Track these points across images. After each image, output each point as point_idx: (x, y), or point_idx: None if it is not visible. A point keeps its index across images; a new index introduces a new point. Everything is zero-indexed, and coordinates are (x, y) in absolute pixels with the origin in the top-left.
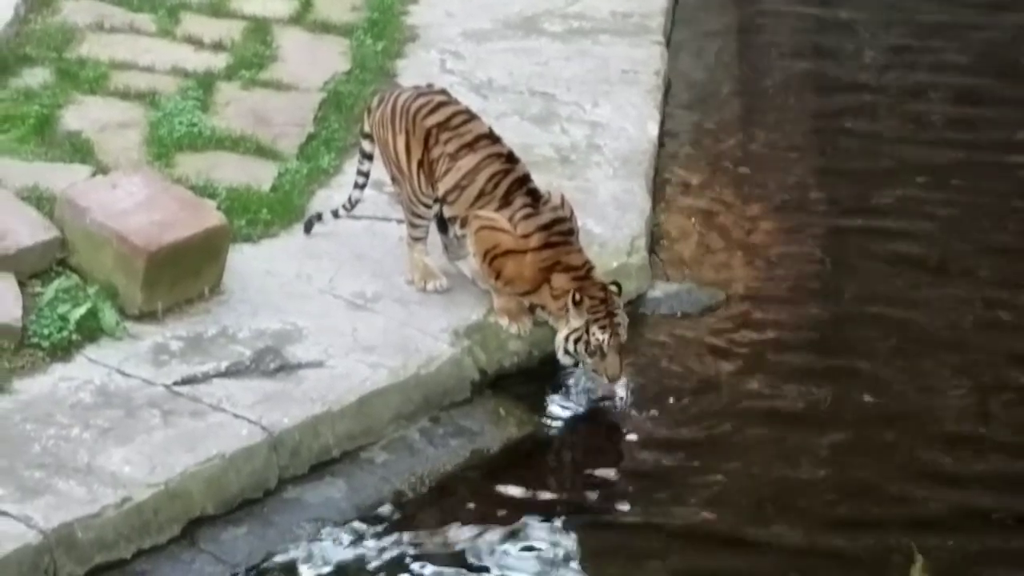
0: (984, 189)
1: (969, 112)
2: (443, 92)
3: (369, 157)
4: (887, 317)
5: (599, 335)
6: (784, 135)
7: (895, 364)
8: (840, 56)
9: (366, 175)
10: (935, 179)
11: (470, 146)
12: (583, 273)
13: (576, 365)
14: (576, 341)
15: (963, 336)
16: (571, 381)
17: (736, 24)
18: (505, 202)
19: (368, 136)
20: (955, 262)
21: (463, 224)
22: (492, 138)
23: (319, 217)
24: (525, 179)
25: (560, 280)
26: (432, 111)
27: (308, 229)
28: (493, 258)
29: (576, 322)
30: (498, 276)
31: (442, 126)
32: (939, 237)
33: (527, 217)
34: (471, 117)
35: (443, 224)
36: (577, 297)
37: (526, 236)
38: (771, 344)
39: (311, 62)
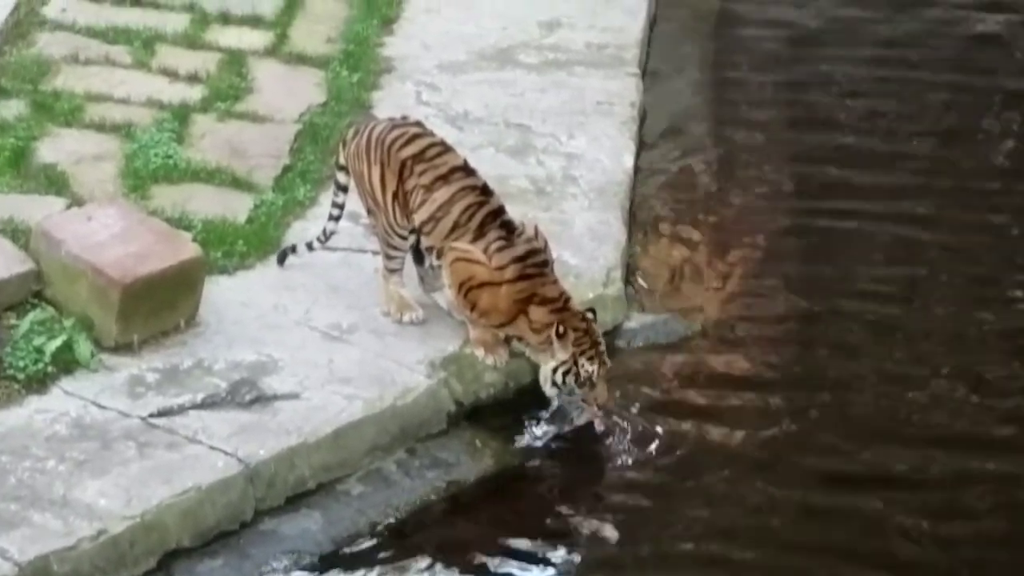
0: (972, 222)
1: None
2: (418, 124)
3: (344, 189)
4: (863, 349)
5: (588, 366)
6: (760, 167)
7: (867, 396)
8: (817, 87)
9: (341, 207)
10: (927, 207)
11: (444, 178)
12: (561, 304)
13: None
14: (565, 374)
15: (948, 365)
16: (549, 411)
17: (712, 55)
18: (479, 234)
19: (343, 168)
20: (946, 295)
21: (439, 255)
22: (467, 170)
23: (293, 249)
24: (499, 211)
25: (538, 313)
26: (407, 143)
27: (281, 261)
28: (468, 290)
29: (563, 355)
30: (473, 308)
31: (417, 158)
32: (918, 277)
33: (501, 249)
34: (446, 149)
35: (419, 255)
36: (561, 330)
37: (500, 268)
38: (747, 375)
39: (287, 94)
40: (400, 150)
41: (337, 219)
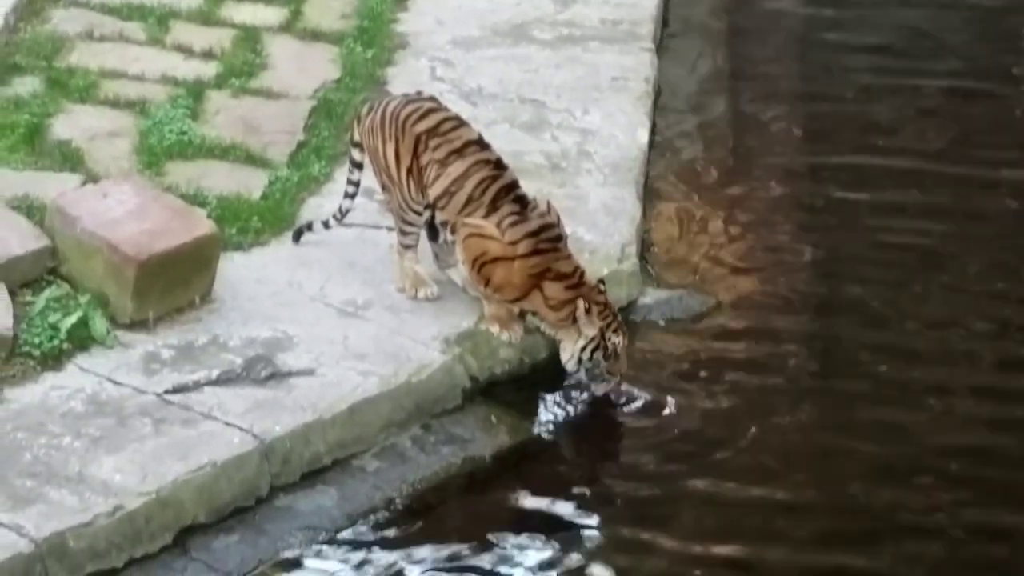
0: (978, 209)
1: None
2: (432, 99)
3: (359, 166)
4: (883, 322)
5: (615, 339)
6: (775, 140)
7: (888, 372)
8: (835, 60)
9: (356, 184)
10: (935, 188)
11: (459, 152)
12: (576, 280)
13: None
14: (594, 350)
15: (955, 349)
16: (564, 387)
17: (726, 30)
18: (492, 208)
19: (358, 145)
20: (955, 275)
21: (453, 230)
22: (481, 144)
23: (309, 227)
24: (513, 186)
25: (553, 289)
26: (421, 117)
27: (297, 239)
28: (482, 265)
29: (591, 331)
30: (487, 283)
31: (431, 132)
32: (939, 248)
33: (514, 224)
34: (460, 123)
35: (433, 232)
36: (587, 306)
37: (514, 243)
38: (763, 350)
39: (301, 70)
40: (414, 125)
41: (353, 196)
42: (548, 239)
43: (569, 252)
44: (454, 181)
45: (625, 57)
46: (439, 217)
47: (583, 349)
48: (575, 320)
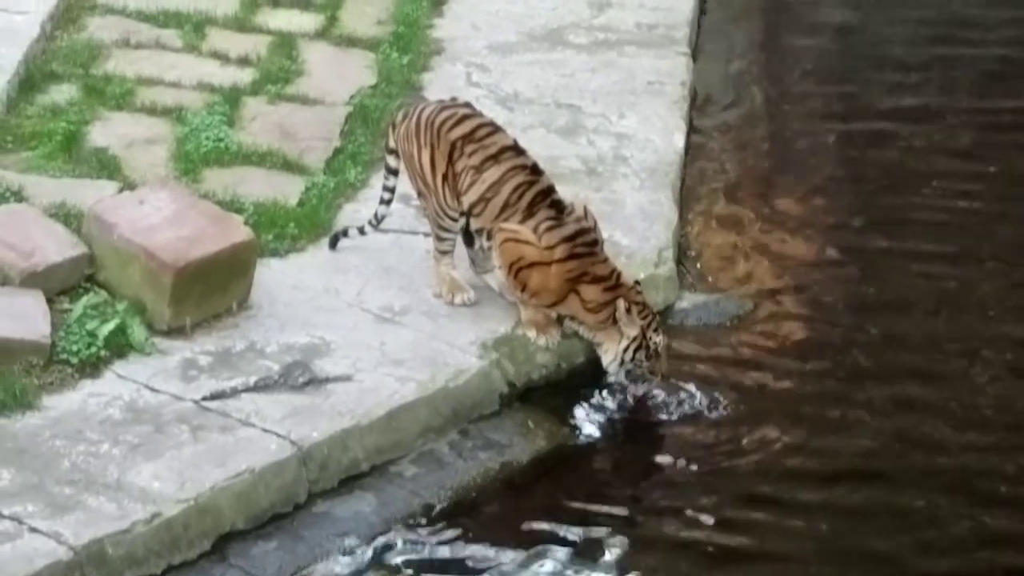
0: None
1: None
2: (467, 105)
3: (395, 172)
4: (921, 329)
5: (656, 338)
6: (812, 145)
7: (924, 377)
8: (870, 66)
9: (392, 190)
10: (970, 195)
11: (494, 158)
12: (614, 282)
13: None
14: (636, 350)
15: (986, 365)
16: (602, 391)
17: (763, 33)
18: (529, 214)
19: (393, 151)
20: (989, 282)
21: (489, 236)
22: (516, 150)
23: (345, 233)
24: (549, 191)
25: (591, 292)
26: (457, 124)
27: (333, 245)
28: (518, 270)
29: (632, 331)
30: (524, 288)
31: (467, 138)
32: (973, 255)
33: (551, 229)
34: (495, 129)
35: (469, 237)
36: (627, 306)
37: (550, 248)
38: (799, 355)
39: (337, 76)
40: (450, 131)
41: (388, 203)
42: (584, 243)
43: (605, 255)
44: (490, 187)
45: (661, 61)
46: (474, 224)
47: (626, 349)
48: (615, 321)
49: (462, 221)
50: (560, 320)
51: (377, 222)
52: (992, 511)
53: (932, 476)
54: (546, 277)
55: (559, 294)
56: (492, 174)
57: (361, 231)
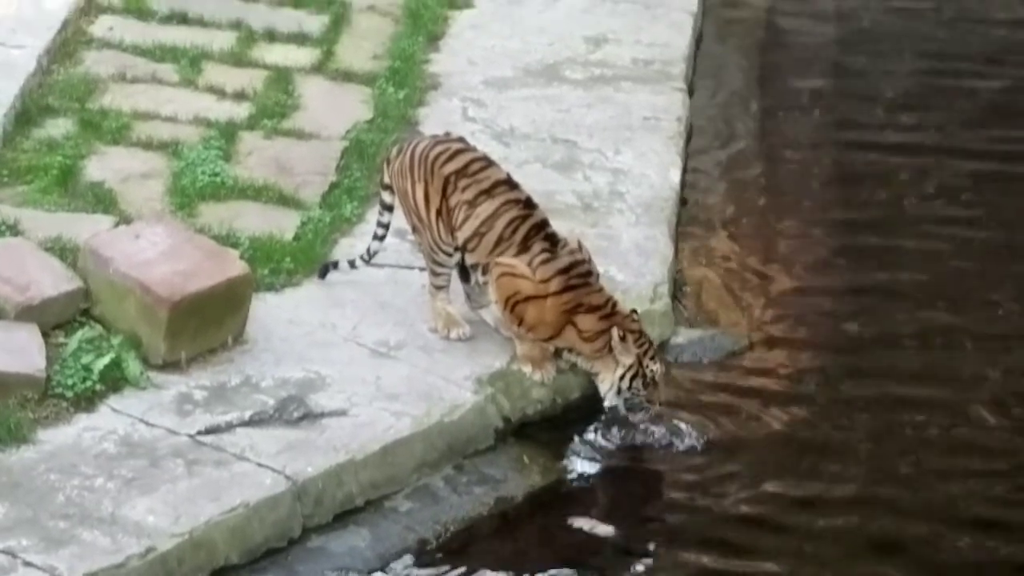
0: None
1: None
2: (461, 140)
3: (389, 209)
4: (915, 365)
5: (653, 366)
6: (808, 180)
7: (921, 414)
8: (865, 101)
9: (386, 226)
10: (967, 232)
11: (487, 192)
12: (609, 310)
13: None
14: (632, 378)
15: (987, 392)
16: (596, 426)
17: (759, 70)
18: (523, 248)
19: (388, 187)
20: (986, 316)
21: (485, 271)
22: (510, 184)
23: (335, 265)
24: (543, 224)
25: (587, 322)
26: (450, 159)
27: (323, 275)
28: (514, 304)
29: (628, 359)
30: (520, 322)
31: (460, 173)
32: (969, 291)
33: (545, 262)
34: (488, 164)
35: (465, 272)
36: (621, 334)
37: (545, 281)
38: (795, 390)
39: (333, 111)
40: (443, 166)
41: (382, 238)
42: (579, 274)
43: (600, 285)
44: (484, 222)
45: (657, 97)
46: (469, 260)
47: (622, 378)
48: (611, 350)
49: (457, 256)
50: (558, 353)
51: (369, 257)
52: (991, 536)
53: (936, 506)
54: (542, 310)
55: (556, 327)
56: (486, 209)
57: (352, 264)
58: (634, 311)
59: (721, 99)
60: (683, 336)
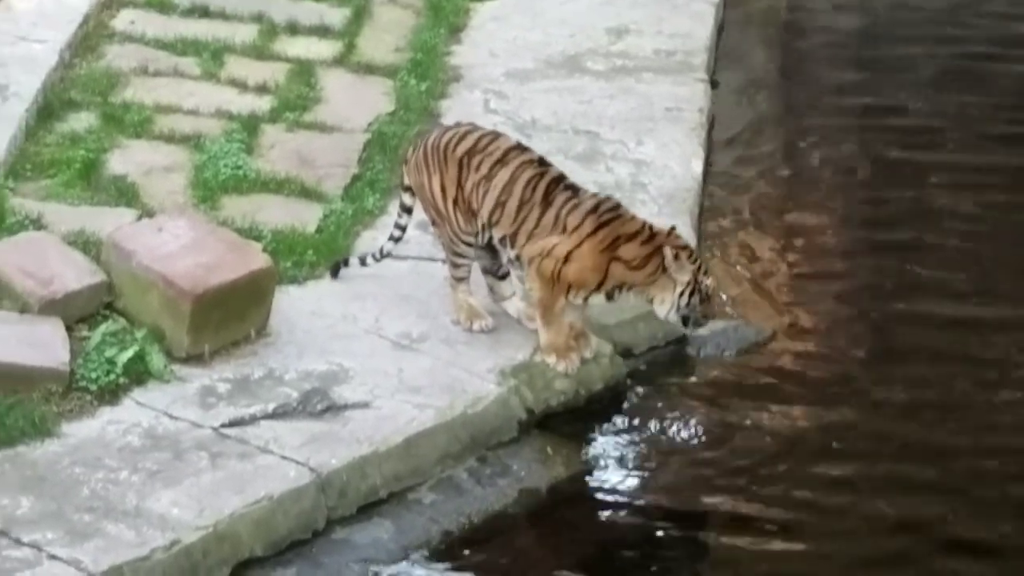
0: None
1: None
2: (470, 124)
3: (408, 211)
4: (938, 353)
5: (707, 281)
6: (830, 172)
7: (944, 401)
8: (888, 90)
9: (403, 228)
10: (995, 233)
11: (500, 161)
12: (648, 234)
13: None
14: (691, 295)
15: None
16: (619, 417)
17: (780, 59)
18: (546, 203)
19: (408, 189)
20: (1011, 305)
21: (513, 244)
22: (521, 148)
23: (346, 262)
24: (561, 178)
25: (630, 250)
26: (460, 140)
27: (335, 274)
28: (559, 274)
29: (685, 276)
30: (568, 288)
31: (471, 152)
32: (996, 293)
33: (573, 209)
34: (497, 136)
35: (491, 260)
36: (675, 252)
37: (577, 227)
38: (818, 380)
39: (355, 103)
40: (455, 149)
41: (397, 240)
42: (607, 209)
43: (632, 213)
44: (503, 190)
45: (679, 88)
46: (496, 234)
47: (681, 295)
48: (663, 271)
49: (478, 242)
50: (609, 296)
51: (380, 256)
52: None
53: (960, 485)
54: (582, 259)
55: (601, 269)
56: (502, 177)
57: (362, 262)
58: (673, 228)
59: (743, 89)
60: (706, 327)
